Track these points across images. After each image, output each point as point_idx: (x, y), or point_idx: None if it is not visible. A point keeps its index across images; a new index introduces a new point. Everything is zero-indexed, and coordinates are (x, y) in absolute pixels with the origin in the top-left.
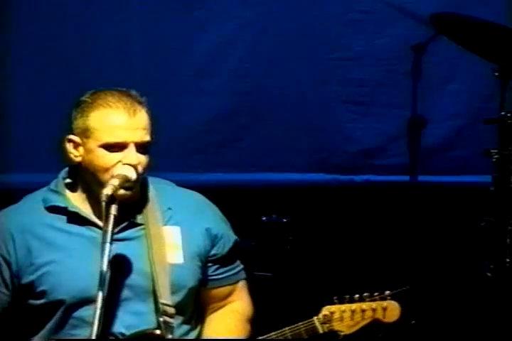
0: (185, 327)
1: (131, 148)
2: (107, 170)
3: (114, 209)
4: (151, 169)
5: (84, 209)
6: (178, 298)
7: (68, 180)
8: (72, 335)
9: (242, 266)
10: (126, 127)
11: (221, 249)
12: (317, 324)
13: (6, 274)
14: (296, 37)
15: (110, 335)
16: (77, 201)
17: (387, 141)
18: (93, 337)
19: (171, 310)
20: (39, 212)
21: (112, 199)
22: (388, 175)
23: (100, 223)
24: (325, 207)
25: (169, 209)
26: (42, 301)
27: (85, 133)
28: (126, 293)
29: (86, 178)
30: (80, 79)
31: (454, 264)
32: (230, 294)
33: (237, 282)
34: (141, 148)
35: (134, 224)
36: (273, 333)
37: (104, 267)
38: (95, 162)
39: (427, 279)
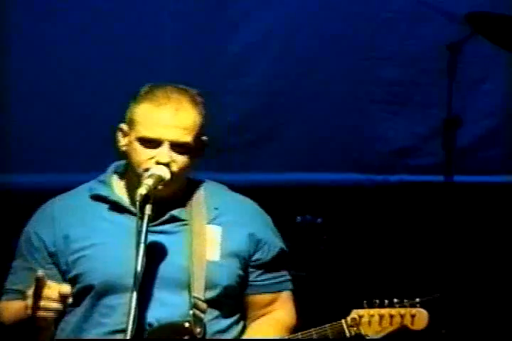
0: (225, 323)
1: (165, 146)
2: (139, 164)
3: (148, 208)
4: None
5: (127, 198)
6: (212, 294)
7: (120, 170)
8: (101, 323)
9: (288, 277)
10: (164, 124)
11: (264, 254)
12: (345, 326)
13: (46, 255)
14: (328, 37)
15: (140, 325)
16: (122, 190)
17: (421, 140)
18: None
19: (203, 305)
20: (84, 199)
21: (146, 199)
22: (423, 175)
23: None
24: (359, 207)
25: (216, 209)
26: (74, 286)
27: (130, 124)
28: (160, 284)
29: (129, 168)
30: (95, 79)
31: (491, 265)
32: (271, 303)
33: (280, 291)
34: (179, 147)
35: (175, 219)
36: (299, 333)
37: (139, 267)
38: (132, 154)
39: (463, 281)
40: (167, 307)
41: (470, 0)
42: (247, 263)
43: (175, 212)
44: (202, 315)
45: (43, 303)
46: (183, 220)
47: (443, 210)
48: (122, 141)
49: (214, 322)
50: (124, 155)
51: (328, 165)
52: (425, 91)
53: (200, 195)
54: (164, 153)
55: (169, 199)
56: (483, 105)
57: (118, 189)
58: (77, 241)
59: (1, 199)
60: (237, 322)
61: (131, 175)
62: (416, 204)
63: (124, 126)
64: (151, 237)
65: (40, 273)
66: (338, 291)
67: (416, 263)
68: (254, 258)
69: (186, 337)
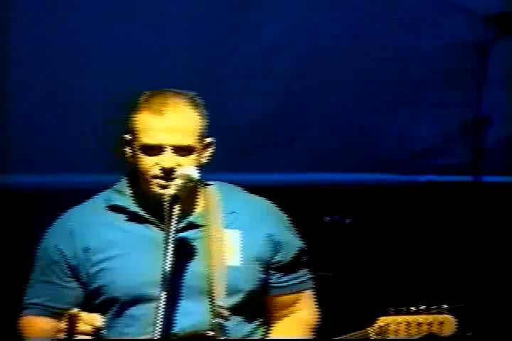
0: (248, 327)
1: (168, 151)
2: (146, 171)
3: (177, 209)
4: (204, 169)
5: (144, 207)
6: (234, 300)
7: (133, 179)
8: (123, 334)
9: (309, 276)
10: (163, 129)
11: (284, 256)
12: (372, 335)
13: (66, 268)
14: (349, 37)
15: (164, 335)
16: (138, 199)
17: (449, 140)
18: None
19: (226, 313)
20: (101, 210)
21: (175, 199)
22: (451, 175)
23: (156, 221)
24: (388, 208)
25: (232, 212)
26: (97, 298)
27: (132, 133)
28: (181, 293)
29: (140, 177)
30: (111, 80)
31: None
32: (294, 303)
33: (302, 291)
34: (182, 150)
35: (194, 225)
36: None
37: (167, 267)
38: (137, 163)
39: (492, 282)
40: (190, 316)
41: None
42: (268, 266)
43: (192, 219)
44: (225, 323)
45: (76, 338)
46: (201, 226)
47: (471, 210)
48: (128, 152)
49: (238, 328)
50: (132, 165)
51: (357, 166)
52: (454, 91)
53: (215, 199)
54: (167, 158)
55: (182, 204)
56: (510, 105)
57: (134, 198)
58: (98, 253)
59: (1, 199)
60: (259, 326)
61: (142, 184)
62: (444, 204)
63: (126, 137)
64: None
65: (74, 310)
66: (365, 291)
67: (444, 264)
68: (274, 260)
69: None
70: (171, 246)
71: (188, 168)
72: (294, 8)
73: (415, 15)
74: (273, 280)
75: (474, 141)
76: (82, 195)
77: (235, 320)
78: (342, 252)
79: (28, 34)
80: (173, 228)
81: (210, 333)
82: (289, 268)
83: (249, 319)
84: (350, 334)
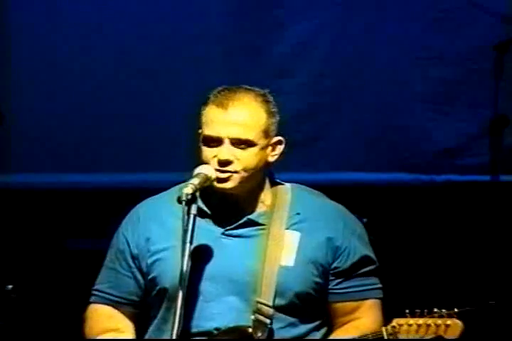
0: (302, 329)
1: (226, 144)
2: (206, 164)
3: (194, 208)
4: None
5: (206, 201)
6: (283, 300)
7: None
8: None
9: (375, 286)
10: (223, 122)
11: (343, 261)
12: (385, 334)
13: (129, 257)
14: (375, 36)
15: (205, 328)
16: (206, 194)
17: (468, 140)
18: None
19: (268, 310)
20: (171, 201)
21: (192, 198)
22: (469, 175)
23: (216, 215)
24: (406, 207)
25: (297, 214)
26: (152, 290)
27: (201, 127)
28: (229, 288)
29: None
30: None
31: None
32: (354, 311)
33: (363, 299)
34: (242, 144)
35: (253, 223)
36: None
37: (184, 267)
38: (201, 155)
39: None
40: (235, 311)
41: None
42: (326, 271)
43: (252, 216)
44: (267, 321)
45: None
46: (262, 225)
47: (490, 210)
48: (199, 146)
49: (288, 328)
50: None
51: (375, 165)
52: (473, 91)
53: (284, 199)
54: (224, 150)
55: (247, 200)
56: None
57: (203, 192)
58: (156, 243)
59: (1, 200)
60: (317, 329)
61: None
62: (462, 204)
63: (199, 131)
64: (226, 241)
65: None
66: (384, 291)
67: (462, 264)
68: (333, 266)
69: None
70: (188, 246)
71: (205, 167)
72: (322, 7)
73: (443, 15)
74: (331, 286)
75: (492, 140)
76: (82, 194)
77: (286, 320)
78: None
79: (28, 31)
80: (190, 228)
81: (249, 330)
82: (347, 275)
83: (304, 320)
84: (365, 334)
